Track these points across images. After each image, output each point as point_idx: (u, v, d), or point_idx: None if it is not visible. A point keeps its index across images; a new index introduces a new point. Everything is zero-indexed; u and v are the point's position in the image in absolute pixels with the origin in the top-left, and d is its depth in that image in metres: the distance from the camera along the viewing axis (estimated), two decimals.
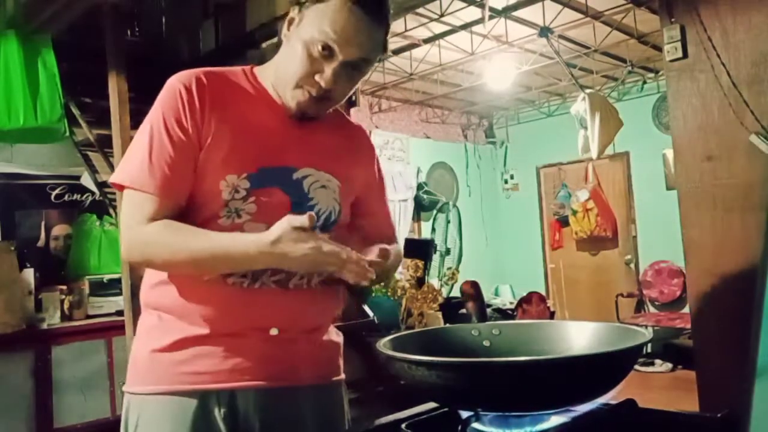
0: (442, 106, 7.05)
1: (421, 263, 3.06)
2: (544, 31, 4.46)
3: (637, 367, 5.08)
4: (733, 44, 2.07)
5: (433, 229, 6.34)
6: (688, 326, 4.22)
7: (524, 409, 0.87)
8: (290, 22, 1.12)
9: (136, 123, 2.28)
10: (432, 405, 1.00)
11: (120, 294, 3.44)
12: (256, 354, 1.10)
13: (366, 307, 2.85)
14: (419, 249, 3.21)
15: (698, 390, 2.16)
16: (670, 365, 5.49)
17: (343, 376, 1.25)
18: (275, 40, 2.92)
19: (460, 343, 1.07)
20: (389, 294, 3.11)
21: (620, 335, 0.98)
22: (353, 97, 3.03)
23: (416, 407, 1.02)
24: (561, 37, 4.81)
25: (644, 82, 6.20)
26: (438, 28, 4.66)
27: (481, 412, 0.87)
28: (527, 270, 7.31)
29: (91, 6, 2.98)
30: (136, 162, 1.07)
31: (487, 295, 5.73)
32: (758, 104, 2.01)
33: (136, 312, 1.11)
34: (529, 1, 4.23)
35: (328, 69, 1.06)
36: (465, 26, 4.63)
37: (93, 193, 4.18)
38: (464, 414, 0.89)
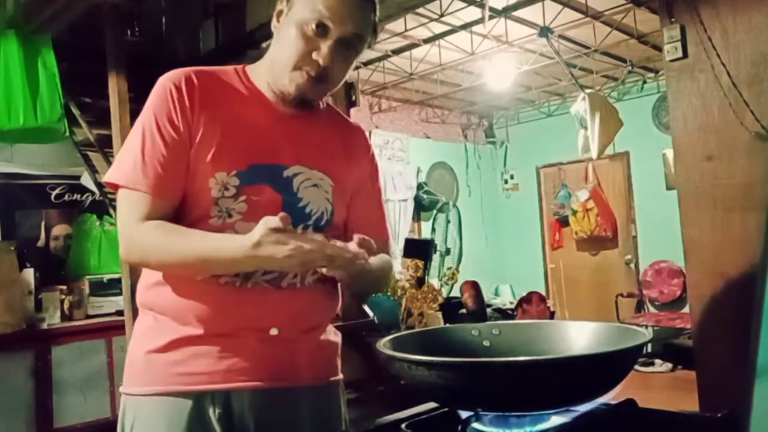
0: (442, 106, 7.04)
1: (421, 263, 3.06)
2: (544, 31, 4.45)
3: (637, 367, 5.08)
4: (733, 44, 2.07)
5: (433, 229, 6.33)
6: (688, 326, 4.23)
7: (524, 409, 0.87)
8: (279, 14, 1.14)
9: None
10: (432, 405, 1.00)
11: (120, 294, 3.45)
12: (252, 354, 1.09)
13: (366, 307, 2.85)
14: (419, 249, 3.21)
15: (698, 390, 2.16)
16: (670, 365, 5.49)
17: (341, 376, 1.24)
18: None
19: (460, 343, 1.08)
20: (389, 294, 3.11)
21: (620, 335, 0.98)
22: (353, 97, 3.03)
23: (416, 407, 1.02)
24: (561, 37, 4.80)
25: (644, 82, 6.19)
26: (438, 28, 4.65)
27: (481, 412, 0.87)
28: (527, 270, 7.31)
29: (91, 6, 2.98)
30: (129, 161, 1.08)
31: (487, 295, 5.73)
32: (758, 104, 2.01)
33: (136, 312, 1.11)
34: (529, 1, 4.23)
35: (324, 46, 1.08)
36: (465, 26, 4.63)
37: (93, 193, 4.18)
38: (464, 414, 0.89)
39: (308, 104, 1.19)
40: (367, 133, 1.36)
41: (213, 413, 1.08)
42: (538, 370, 0.81)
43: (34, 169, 4.08)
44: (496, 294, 7.01)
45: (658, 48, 4.88)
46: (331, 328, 1.24)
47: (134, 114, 2.91)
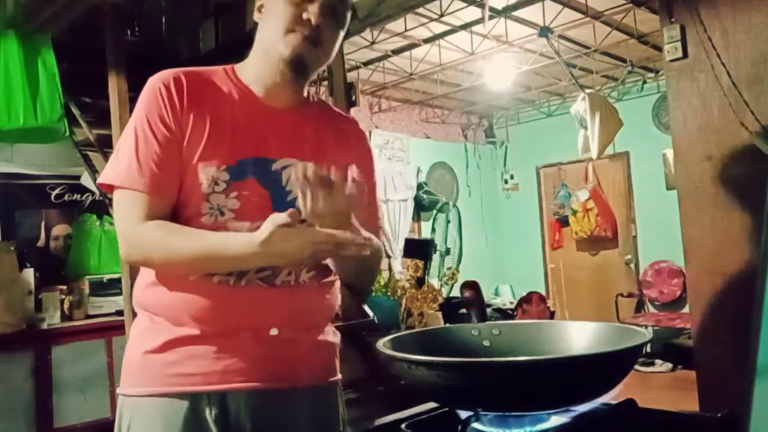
0: (442, 106, 7.05)
1: (421, 263, 3.06)
2: (544, 31, 4.46)
3: (637, 367, 5.08)
4: (733, 44, 2.06)
5: (433, 229, 6.33)
6: (688, 326, 4.23)
7: (524, 409, 0.87)
8: (261, 7, 1.17)
9: None
10: (432, 405, 1.00)
11: (120, 294, 3.44)
12: (248, 355, 1.09)
13: (366, 307, 2.85)
14: (419, 249, 3.22)
15: (698, 390, 2.16)
16: (670, 365, 5.49)
17: (339, 376, 1.24)
18: None
19: (460, 343, 1.07)
20: (389, 294, 3.11)
21: (620, 335, 0.98)
22: (353, 97, 3.03)
23: (416, 407, 1.02)
24: (561, 37, 4.81)
25: (644, 82, 6.20)
26: (438, 28, 4.66)
27: (481, 412, 0.87)
28: (527, 270, 7.31)
29: (91, 6, 2.98)
30: (124, 162, 1.09)
31: (487, 295, 5.74)
32: (758, 104, 2.01)
33: (135, 312, 1.12)
34: (529, 1, 4.23)
35: (312, 6, 1.10)
36: (465, 26, 4.63)
37: (93, 193, 4.18)
38: (464, 414, 0.89)
39: (301, 95, 1.20)
40: (366, 133, 1.35)
41: (209, 414, 1.08)
42: (538, 370, 0.81)
43: (34, 169, 4.08)
44: (496, 294, 7.02)
45: (658, 48, 4.88)
46: (330, 327, 1.24)
47: None
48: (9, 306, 3.36)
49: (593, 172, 6.78)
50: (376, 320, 2.80)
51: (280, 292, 1.11)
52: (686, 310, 5.24)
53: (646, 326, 5.49)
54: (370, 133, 6.05)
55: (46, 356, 3.45)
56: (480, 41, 4.86)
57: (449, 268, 4.39)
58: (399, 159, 6.62)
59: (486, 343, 1.07)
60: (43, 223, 4.10)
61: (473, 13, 4.35)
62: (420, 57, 5.20)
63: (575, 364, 0.85)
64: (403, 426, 0.92)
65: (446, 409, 0.96)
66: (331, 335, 1.24)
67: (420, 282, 3.02)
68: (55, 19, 3.08)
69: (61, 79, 3.20)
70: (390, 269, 5.79)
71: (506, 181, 7.75)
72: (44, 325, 3.50)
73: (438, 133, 7.17)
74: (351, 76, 4.86)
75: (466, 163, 7.45)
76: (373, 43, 4.70)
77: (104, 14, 3.05)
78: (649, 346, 5.43)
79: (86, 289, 3.77)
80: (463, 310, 3.31)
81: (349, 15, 1.18)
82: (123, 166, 1.08)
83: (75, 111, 3.47)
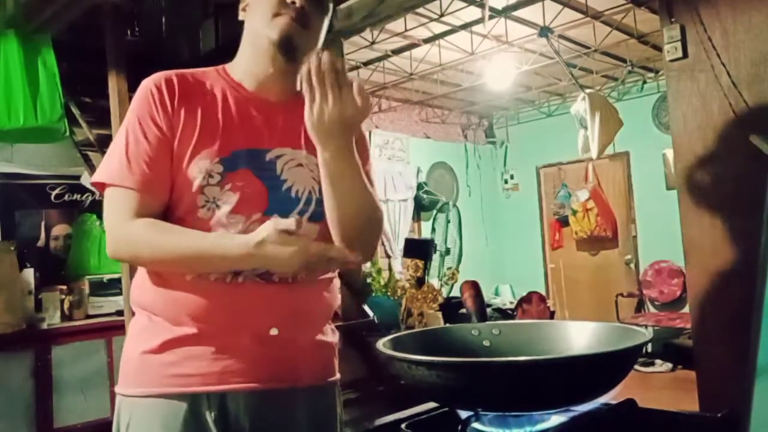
0: (442, 106, 7.04)
1: (421, 263, 3.07)
2: (544, 31, 4.46)
3: (637, 367, 5.08)
4: (733, 44, 2.06)
5: (433, 229, 6.34)
6: (688, 326, 4.22)
7: (524, 409, 0.87)
8: (245, 7, 1.19)
9: None
10: (432, 405, 1.00)
11: (120, 294, 3.45)
12: (248, 355, 1.09)
13: (366, 307, 2.85)
14: (419, 249, 3.22)
15: (698, 390, 2.16)
16: (670, 365, 5.49)
17: (338, 376, 1.24)
18: None
19: (460, 343, 1.07)
20: (389, 294, 3.11)
21: (620, 335, 0.98)
22: None
23: (416, 407, 1.02)
24: (561, 37, 4.80)
25: (644, 82, 6.20)
26: (438, 28, 4.66)
27: (481, 412, 0.87)
28: (527, 270, 7.31)
29: (91, 6, 2.98)
30: (115, 161, 1.10)
31: (487, 295, 5.73)
32: (758, 104, 2.01)
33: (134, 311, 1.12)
34: (529, 1, 4.23)
35: None
36: (465, 26, 4.63)
37: (93, 193, 4.18)
38: (464, 414, 0.89)
39: (293, 86, 1.18)
40: (366, 133, 1.35)
41: (209, 415, 1.08)
42: (538, 370, 0.81)
43: (34, 169, 4.08)
44: (496, 294, 7.01)
45: (658, 48, 4.88)
46: (329, 326, 1.24)
47: None
48: (9, 306, 3.36)
49: (593, 172, 6.78)
50: (376, 320, 2.81)
51: (278, 288, 1.11)
52: (686, 310, 5.24)
53: (646, 326, 5.49)
54: (370, 133, 6.05)
55: (46, 356, 3.45)
56: (480, 41, 4.86)
57: (449, 268, 4.40)
58: (399, 159, 6.62)
59: (486, 343, 1.07)
60: (43, 223, 4.10)
61: (473, 13, 4.35)
62: (420, 57, 5.20)
63: (575, 364, 0.85)
64: (403, 426, 0.92)
65: (446, 409, 0.96)
66: (330, 334, 1.23)
67: (420, 282, 3.03)
68: (55, 19, 3.08)
69: (61, 79, 3.20)
70: (390, 269, 5.79)
71: (506, 181, 7.75)
72: (44, 325, 3.50)
73: (438, 133, 7.16)
74: (351, 75, 4.86)
75: (466, 163, 7.45)
76: (373, 43, 4.70)
77: (104, 14, 3.05)
78: (649, 346, 5.43)
79: (86, 289, 3.77)
80: (463, 310, 3.31)
81: (330, 5, 1.19)
82: (114, 165, 1.10)
83: (75, 111, 3.47)
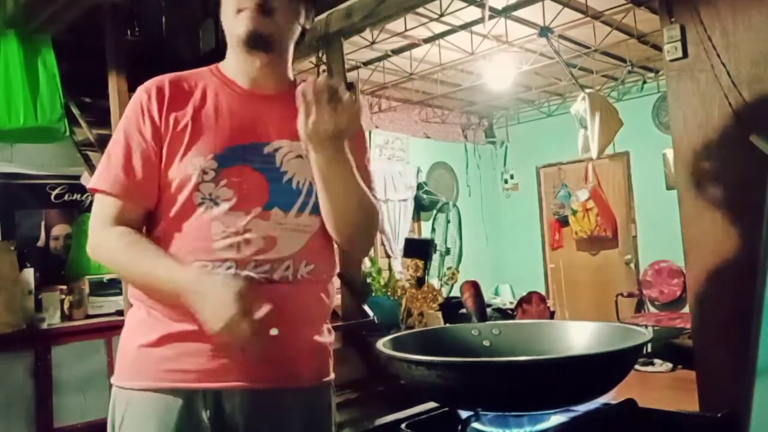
0: (442, 106, 7.04)
1: (421, 263, 3.07)
2: (544, 31, 4.45)
3: (637, 367, 5.08)
4: (733, 44, 2.06)
5: (433, 229, 6.33)
6: (688, 326, 4.22)
7: (524, 409, 0.87)
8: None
9: None
10: (432, 405, 1.00)
11: (120, 294, 3.45)
12: (246, 354, 1.08)
13: (366, 307, 2.85)
14: (419, 249, 3.22)
15: (698, 390, 2.16)
16: (670, 365, 5.49)
17: (332, 376, 1.24)
18: None
19: (460, 343, 1.07)
20: (389, 294, 3.11)
21: (620, 335, 0.98)
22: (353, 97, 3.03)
23: (416, 407, 1.01)
24: (561, 36, 4.80)
25: (644, 82, 6.19)
26: (438, 28, 4.65)
27: (481, 412, 0.87)
28: (527, 270, 7.31)
29: (91, 6, 2.98)
30: (102, 167, 1.14)
31: (487, 295, 5.73)
32: (758, 104, 2.01)
33: (131, 303, 1.13)
34: (529, 1, 4.23)
35: None
36: (465, 26, 4.63)
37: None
38: (464, 414, 0.89)
39: (286, 78, 1.21)
40: (366, 133, 1.35)
41: (204, 412, 1.08)
42: (538, 370, 0.81)
43: (34, 169, 4.08)
44: (496, 294, 7.01)
45: (658, 48, 4.88)
46: (325, 327, 1.24)
47: None
48: (9, 306, 3.36)
49: (593, 172, 6.78)
50: (376, 320, 2.81)
51: (279, 288, 1.11)
52: (686, 310, 5.24)
53: (646, 326, 5.49)
54: (370, 133, 6.05)
55: (46, 356, 3.44)
56: (480, 41, 4.86)
57: (449, 268, 4.39)
58: (399, 159, 6.62)
59: (486, 343, 1.07)
60: (43, 223, 4.10)
61: (473, 13, 4.35)
62: (420, 57, 5.20)
63: (575, 364, 0.85)
64: (403, 426, 0.92)
65: (446, 409, 0.96)
66: (326, 334, 1.23)
67: (420, 282, 3.03)
68: (55, 19, 3.08)
69: (61, 79, 3.20)
70: (390, 269, 5.80)
71: (506, 181, 7.75)
72: (44, 325, 3.50)
73: (438, 133, 7.16)
74: (351, 76, 4.86)
75: (466, 163, 7.45)
76: (373, 43, 4.69)
77: (104, 14, 3.05)
78: (649, 346, 5.43)
79: (86, 289, 3.77)
80: (463, 310, 3.31)
81: None
82: (101, 172, 1.14)
83: (75, 111, 3.46)
